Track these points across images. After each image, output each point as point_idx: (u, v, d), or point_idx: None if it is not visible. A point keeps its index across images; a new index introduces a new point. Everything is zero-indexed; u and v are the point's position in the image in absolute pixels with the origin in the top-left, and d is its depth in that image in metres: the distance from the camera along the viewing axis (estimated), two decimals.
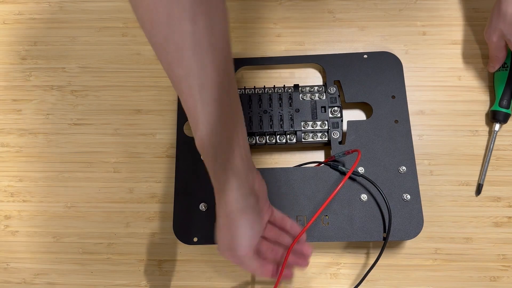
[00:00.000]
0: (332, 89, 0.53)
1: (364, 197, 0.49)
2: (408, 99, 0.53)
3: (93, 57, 0.60)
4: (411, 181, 0.49)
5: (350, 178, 0.49)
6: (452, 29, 0.59)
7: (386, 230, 0.47)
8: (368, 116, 0.55)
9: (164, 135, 0.56)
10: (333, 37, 0.59)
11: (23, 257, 0.53)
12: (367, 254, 0.51)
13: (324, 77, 0.57)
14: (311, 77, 0.57)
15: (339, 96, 0.53)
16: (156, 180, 0.54)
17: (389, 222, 0.47)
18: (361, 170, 0.50)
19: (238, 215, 0.37)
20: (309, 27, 0.60)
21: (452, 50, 0.58)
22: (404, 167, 0.50)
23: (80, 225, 0.53)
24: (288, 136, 0.52)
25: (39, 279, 0.52)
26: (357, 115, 0.55)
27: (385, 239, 0.47)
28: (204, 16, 0.30)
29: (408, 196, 0.49)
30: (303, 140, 0.52)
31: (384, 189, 0.49)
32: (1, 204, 0.55)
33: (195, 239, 0.48)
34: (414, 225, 0.48)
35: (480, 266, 0.50)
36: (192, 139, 0.52)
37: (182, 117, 0.53)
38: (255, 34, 0.60)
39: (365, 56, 0.55)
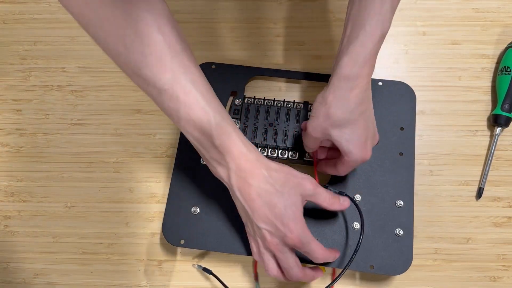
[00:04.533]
0: None
1: (356, 225, 0.48)
2: None
3: (93, 57, 0.60)
4: (406, 217, 0.48)
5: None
6: (452, 29, 0.59)
7: (352, 255, 0.43)
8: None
9: (164, 135, 0.56)
10: (333, 37, 0.59)
11: (23, 257, 0.53)
12: None
13: None
14: None
15: None
16: (156, 180, 0.54)
17: (357, 246, 0.43)
18: (357, 197, 0.49)
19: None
20: (309, 27, 0.60)
21: (452, 50, 0.58)
22: (401, 202, 0.49)
23: (80, 225, 0.53)
24: (290, 152, 0.51)
25: (39, 279, 0.52)
26: None
27: (345, 267, 0.43)
28: (167, 26, 0.36)
29: (401, 232, 0.47)
30: (304, 158, 0.51)
31: (377, 220, 0.48)
32: (1, 204, 0.55)
33: (182, 242, 0.48)
34: (403, 261, 0.46)
35: (480, 266, 0.50)
36: None
37: None
38: (255, 34, 0.60)
39: (380, 83, 0.54)
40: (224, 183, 0.41)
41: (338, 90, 0.40)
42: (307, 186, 0.40)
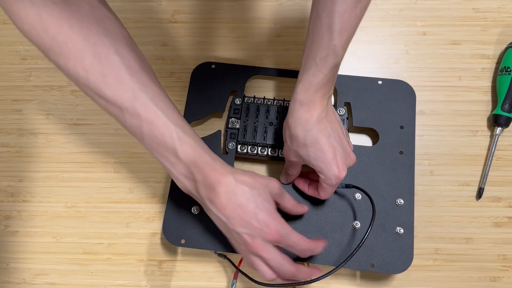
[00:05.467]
0: (342, 111, 0.52)
1: (357, 224, 0.48)
2: None
3: None
4: (407, 215, 0.48)
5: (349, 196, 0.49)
6: (452, 29, 0.59)
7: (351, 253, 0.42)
8: (373, 143, 0.54)
9: None
10: None
11: (23, 257, 0.53)
12: None
13: (335, 97, 0.55)
14: None
15: (347, 118, 0.52)
16: (156, 180, 0.54)
17: (367, 231, 0.43)
18: (358, 196, 0.49)
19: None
20: None
21: (452, 50, 0.58)
22: (401, 200, 0.48)
23: (80, 225, 0.53)
24: None
25: (39, 279, 0.52)
26: (363, 140, 0.54)
27: (339, 264, 0.42)
28: (124, 49, 0.38)
29: (402, 230, 0.47)
30: None
31: (378, 219, 0.48)
32: (1, 204, 0.55)
33: (183, 241, 0.48)
34: (403, 260, 0.46)
35: (481, 267, 0.50)
36: None
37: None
38: (255, 34, 0.60)
39: (380, 82, 0.54)
40: (195, 198, 0.42)
41: (295, 113, 0.42)
42: (274, 185, 0.41)
